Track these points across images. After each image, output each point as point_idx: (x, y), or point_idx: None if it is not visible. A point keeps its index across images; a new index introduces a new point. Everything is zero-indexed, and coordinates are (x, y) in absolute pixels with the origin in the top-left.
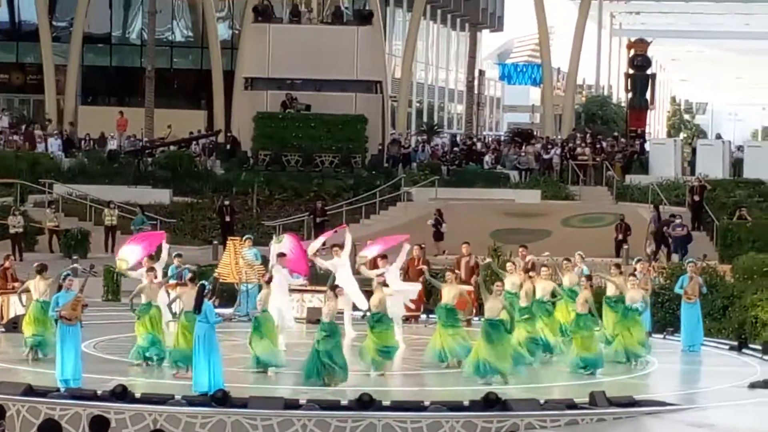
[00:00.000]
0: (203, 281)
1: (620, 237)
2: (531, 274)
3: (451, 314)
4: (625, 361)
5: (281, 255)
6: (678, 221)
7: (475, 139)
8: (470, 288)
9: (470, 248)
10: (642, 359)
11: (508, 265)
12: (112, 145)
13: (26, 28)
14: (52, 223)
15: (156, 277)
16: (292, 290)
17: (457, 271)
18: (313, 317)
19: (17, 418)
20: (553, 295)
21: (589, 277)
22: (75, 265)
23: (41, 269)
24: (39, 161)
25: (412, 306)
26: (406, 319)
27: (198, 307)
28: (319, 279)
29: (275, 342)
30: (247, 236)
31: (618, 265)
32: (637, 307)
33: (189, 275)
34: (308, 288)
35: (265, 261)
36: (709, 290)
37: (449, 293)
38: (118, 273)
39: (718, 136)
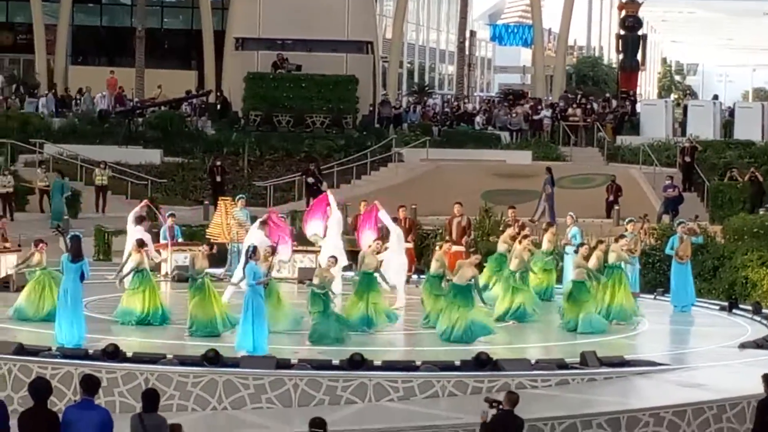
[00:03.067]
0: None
1: (611, 198)
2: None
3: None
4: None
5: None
6: (669, 182)
7: (464, 101)
8: (462, 249)
9: (462, 209)
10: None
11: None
12: (102, 104)
13: None
14: (43, 183)
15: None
16: None
17: (447, 237)
18: (304, 277)
19: (9, 377)
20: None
21: (581, 245)
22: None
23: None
24: (29, 121)
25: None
26: None
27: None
28: (308, 240)
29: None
30: (239, 196)
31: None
32: (620, 264)
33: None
34: (299, 249)
35: (255, 221)
36: (699, 251)
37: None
38: (108, 233)
39: (715, 97)
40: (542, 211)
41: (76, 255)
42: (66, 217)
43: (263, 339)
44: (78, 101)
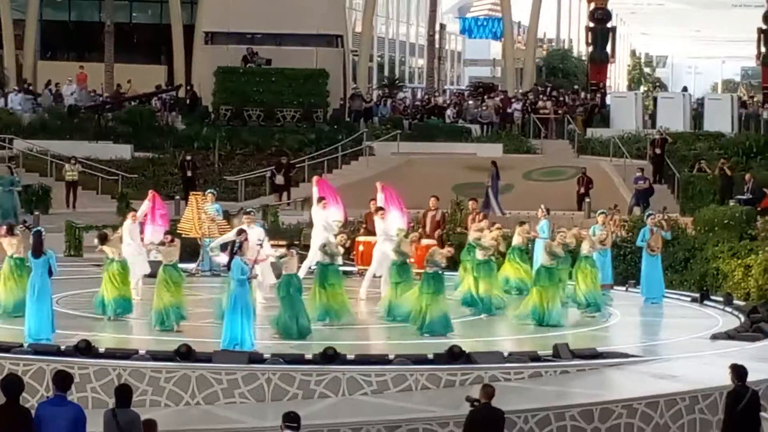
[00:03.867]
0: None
1: (582, 190)
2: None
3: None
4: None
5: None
6: (639, 174)
7: (434, 95)
8: (433, 242)
9: (437, 202)
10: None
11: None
12: (69, 100)
13: None
14: None
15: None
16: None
17: (420, 230)
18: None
19: None
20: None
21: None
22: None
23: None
24: None
25: None
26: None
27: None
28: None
29: None
30: (209, 191)
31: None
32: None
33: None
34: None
35: (227, 216)
36: (670, 242)
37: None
38: (79, 228)
39: (685, 89)
40: (497, 203)
41: (36, 250)
42: (37, 212)
43: (250, 334)
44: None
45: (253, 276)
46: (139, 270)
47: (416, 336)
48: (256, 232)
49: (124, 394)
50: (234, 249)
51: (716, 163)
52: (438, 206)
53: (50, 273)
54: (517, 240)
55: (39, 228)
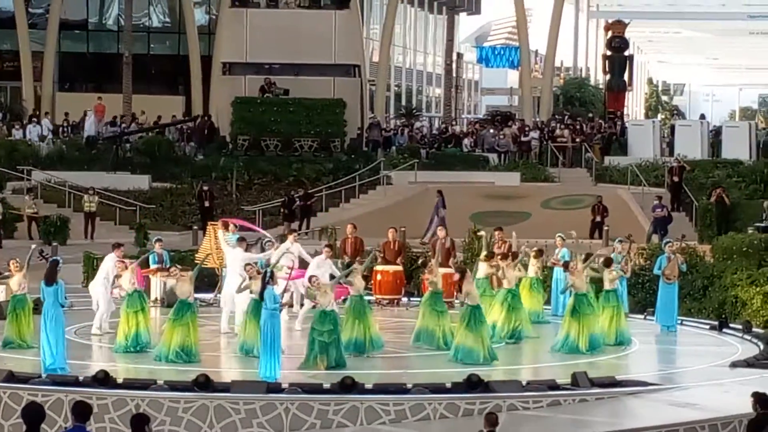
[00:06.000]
0: (267, 268)
1: (597, 219)
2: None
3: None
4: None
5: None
6: (657, 202)
7: (452, 124)
8: (450, 270)
9: (445, 231)
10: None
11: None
12: (90, 131)
13: (2, 15)
14: (31, 210)
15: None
16: None
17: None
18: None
19: None
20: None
21: (566, 264)
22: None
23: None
24: (17, 148)
25: None
26: (388, 302)
27: (261, 294)
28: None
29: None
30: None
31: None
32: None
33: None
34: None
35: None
36: (689, 270)
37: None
38: (97, 259)
39: (702, 117)
40: (433, 231)
41: (49, 278)
42: (55, 243)
43: (278, 364)
44: (66, 128)
45: (285, 304)
46: (104, 307)
47: (435, 364)
48: (296, 249)
49: (139, 422)
50: (266, 278)
51: (734, 190)
52: (446, 234)
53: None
54: (532, 271)
55: (57, 258)
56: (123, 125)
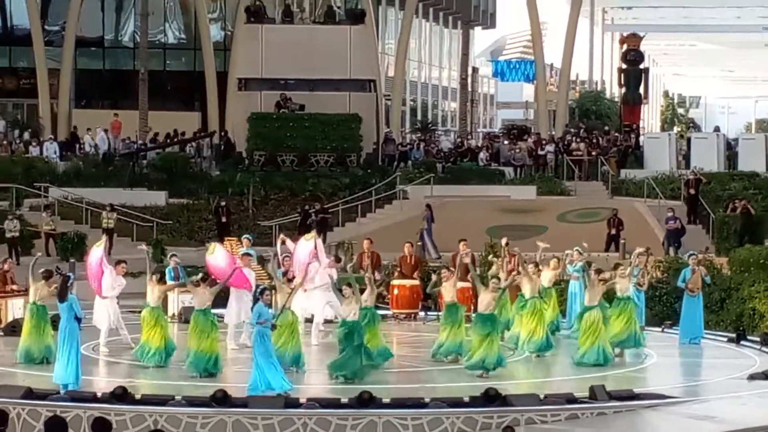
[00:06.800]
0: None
1: (613, 232)
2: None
3: (454, 311)
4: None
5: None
6: (670, 214)
7: (467, 138)
8: (468, 285)
9: (467, 246)
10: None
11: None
12: (103, 146)
13: (19, 33)
14: (49, 227)
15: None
16: None
17: (452, 268)
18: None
19: (18, 422)
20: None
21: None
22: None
23: (48, 275)
24: (34, 165)
25: None
26: (405, 317)
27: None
28: None
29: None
30: (245, 236)
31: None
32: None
33: (199, 275)
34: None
35: (261, 261)
36: (707, 283)
37: (449, 291)
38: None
39: (717, 129)
40: (431, 246)
41: (61, 295)
42: (72, 260)
43: (277, 377)
44: (81, 145)
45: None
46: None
47: (452, 378)
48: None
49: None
50: (256, 294)
51: (752, 202)
52: (468, 250)
53: (78, 319)
54: (546, 281)
55: (69, 274)
56: (140, 142)
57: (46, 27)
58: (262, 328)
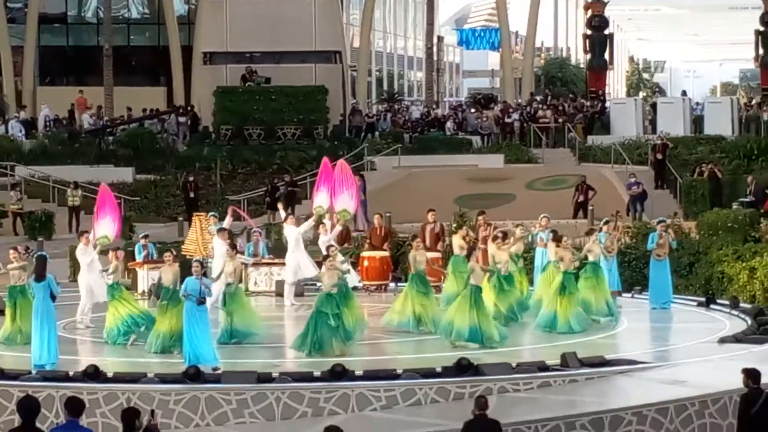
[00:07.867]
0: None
1: (581, 198)
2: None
3: (423, 281)
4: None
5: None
6: (633, 180)
7: (434, 107)
8: (438, 255)
9: (435, 215)
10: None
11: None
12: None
13: None
14: (15, 206)
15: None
16: (260, 264)
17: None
18: (280, 290)
19: None
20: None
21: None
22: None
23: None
24: None
25: None
26: (375, 288)
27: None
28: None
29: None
30: (211, 213)
31: (590, 231)
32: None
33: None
34: (275, 261)
35: (230, 235)
36: (673, 248)
37: (418, 260)
38: None
39: (684, 93)
40: (364, 216)
41: (39, 275)
42: (41, 239)
43: (207, 349)
44: (48, 123)
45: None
46: (98, 294)
47: (424, 349)
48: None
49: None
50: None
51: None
52: (436, 219)
53: (53, 297)
54: (515, 249)
55: (43, 253)
56: (105, 119)
57: (9, 4)
58: (190, 302)
